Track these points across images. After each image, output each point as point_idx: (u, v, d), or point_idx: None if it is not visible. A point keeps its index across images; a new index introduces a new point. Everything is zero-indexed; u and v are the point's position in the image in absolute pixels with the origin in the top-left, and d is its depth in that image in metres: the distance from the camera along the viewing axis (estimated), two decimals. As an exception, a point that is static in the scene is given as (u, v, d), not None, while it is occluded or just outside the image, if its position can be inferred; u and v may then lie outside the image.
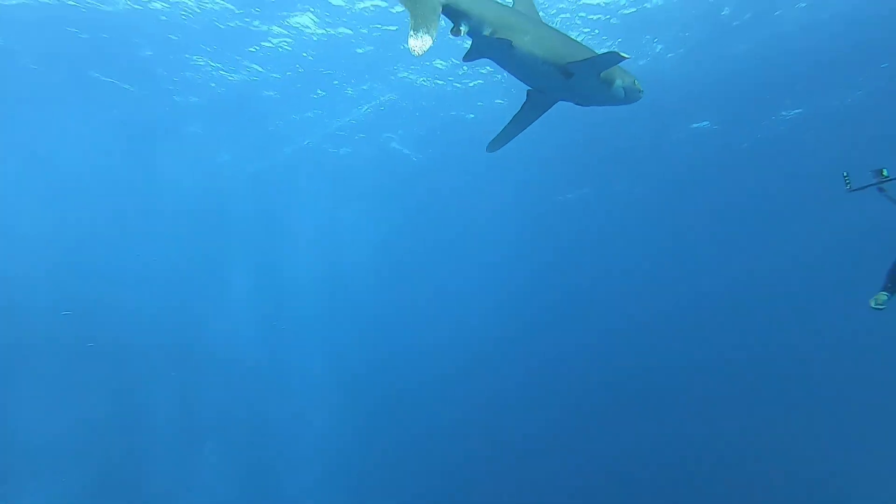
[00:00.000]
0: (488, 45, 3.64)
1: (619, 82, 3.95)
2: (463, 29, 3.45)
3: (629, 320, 24.68)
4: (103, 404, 17.25)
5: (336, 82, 13.94)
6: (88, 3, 10.47)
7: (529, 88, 4.12)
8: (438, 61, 12.91)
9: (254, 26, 11.40)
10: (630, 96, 4.05)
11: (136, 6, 10.63)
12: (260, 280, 25.93)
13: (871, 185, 4.42)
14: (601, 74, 3.80)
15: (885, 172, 4.31)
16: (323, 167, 19.48)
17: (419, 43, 2.92)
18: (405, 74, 13.56)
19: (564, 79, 3.74)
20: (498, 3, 3.75)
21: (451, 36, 3.52)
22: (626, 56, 3.43)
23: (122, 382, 18.52)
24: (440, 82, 13.90)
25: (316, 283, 27.73)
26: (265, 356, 23.67)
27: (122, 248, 22.15)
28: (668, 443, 17.53)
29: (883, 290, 4.23)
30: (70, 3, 10.42)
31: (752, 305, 23.16)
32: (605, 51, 3.57)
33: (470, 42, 3.70)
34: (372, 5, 10.44)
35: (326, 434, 20.41)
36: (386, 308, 27.46)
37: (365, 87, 14.21)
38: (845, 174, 4.57)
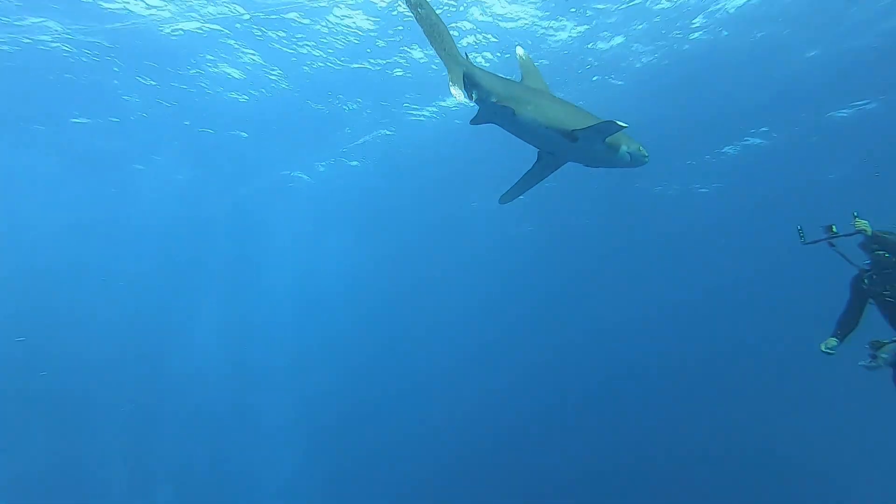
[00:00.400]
0: (493, 112, 4.11)
1: (624, 148, 4.25)
2: (473, 95, 4.00)
3: (608, 320, 25.00)
4: (47, 455, 16.12)
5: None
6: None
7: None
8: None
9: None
10: (635, 161, 4.35)
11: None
12: (227, 319, 25.20)
13: (822, 239, 4.39)
14: (606, 140, 4.09)
15: (834, 229, 4.28)
16: (295, 196, 19.28)
17: (458, 93, 3.67)
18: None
19: (570, 143, 4.08)
20: (507, 79, 4.29)
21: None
22: (624, 125, 3.70)
23: (69, 429, 17.43)
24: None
25: (288, 323, 27.21)
26: (230, 399, 22.68)
27: (80, 283, 21.23)
28: (647, 439, 17.59)
29: (833, 337, 4.24)
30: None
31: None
32: (605, 119, 3.84)
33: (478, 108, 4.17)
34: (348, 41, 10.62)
35: (293, 483, 19.44)
36: (360, 350, 27.07)
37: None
38: (799, 228, 4.57)
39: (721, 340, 23.56)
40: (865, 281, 4.12)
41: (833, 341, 4.23)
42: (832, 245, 4.37)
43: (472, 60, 4.12)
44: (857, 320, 4.27)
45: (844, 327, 4.28)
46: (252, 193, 19.06)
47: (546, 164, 4.56)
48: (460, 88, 3.68)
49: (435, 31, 3.79)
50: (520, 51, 4.73)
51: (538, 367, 24.52)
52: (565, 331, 26.34)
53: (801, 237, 4.52)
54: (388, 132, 15.23)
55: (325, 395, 23.59)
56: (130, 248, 21.06)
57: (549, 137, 4.15)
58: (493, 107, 4.00)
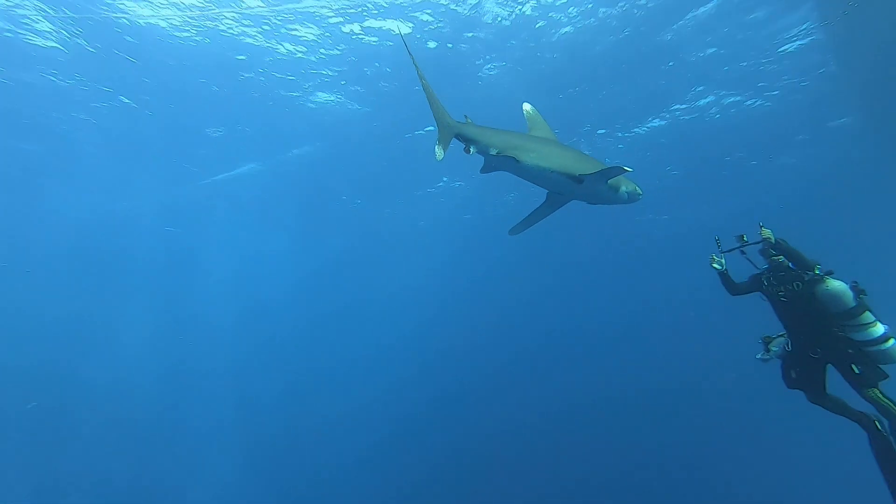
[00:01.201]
0: (497, 162, 4.63)
1: (623, 188, 4.84)
2: (472, 150, 4.54)
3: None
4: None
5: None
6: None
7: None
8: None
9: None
10: (632, 199, 4.99)
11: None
12: (155, 322, 23.83)
13: (736, 248, 4.71)
14: (609, 182, 4.63)
15: (745, 237, 4.62)
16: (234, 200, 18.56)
17: (439, 153, 4.29)
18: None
19: (576, 185, 4.57)
20: (503, 130, 4.74)
21: (464, 153, 4.59)
22: (629, 169, 4.20)
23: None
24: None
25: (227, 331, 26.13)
26: (157, 407, 21.27)
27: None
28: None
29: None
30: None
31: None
32: (613, 164, 4.32)
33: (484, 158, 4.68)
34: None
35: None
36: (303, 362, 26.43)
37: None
38: (717, 237, 4.88)
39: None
40: (765, 282, 4.40)
41: (722, 262, 4.67)
42: (744, 252, 4.73)
43: (470, 121, 4.66)
44: (737, 293, 4.64)
45: (728, 284, 4.68)
46: (185, 191, 18.18)
47: (553, 202, 5.06)
48: (443, 149, 4.32)
49: (432, 102, 4.38)
50: (526, 106, 5.28)
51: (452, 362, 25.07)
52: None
53: (719, 246, 4.85)
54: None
55: (263, 403, 22.71)
56: (41, 246, 19.47)
57: (555, 180, 4.63)
58: (495, 158, 4.54)
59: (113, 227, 19.73)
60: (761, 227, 4.50)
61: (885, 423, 3.81)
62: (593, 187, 4.60)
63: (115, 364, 21.98)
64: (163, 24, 9.60)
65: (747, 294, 4.58)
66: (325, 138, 14.69)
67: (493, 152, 4.50)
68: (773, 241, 4.37)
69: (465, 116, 4.68)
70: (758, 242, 4.47)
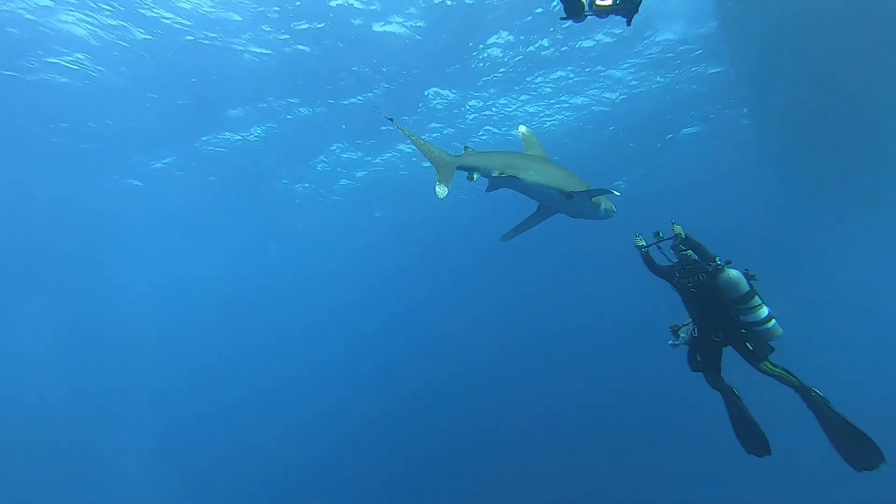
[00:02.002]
0: (500, 182, 5.13)
1: (604, 206, 5.45)
2: (475, 176, 5.03)
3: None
4: None
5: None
6: None
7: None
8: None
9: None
10: (608, 215, 5.61)
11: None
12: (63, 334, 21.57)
13: (653, 243, 5.18)
14: (592, 199, 5.22)
15: (660, 234, 5.13)
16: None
17: (441, 191, 4.68)
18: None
19: (566, 200, 5.15)
20: (502, 152, 5.30)
21: (467, 180, 5.05)
22: (618, 193, 4.75)
23: None
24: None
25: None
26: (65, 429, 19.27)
27: None
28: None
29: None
30: None
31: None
32: (601, 186, 4.89)
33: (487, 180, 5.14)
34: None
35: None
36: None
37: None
38: (637, 235, 5.33)
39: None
40: (676, 275, 4.82)
41: (643, 241, 5.06)
42: (660, 248, 5.24)
43: (470, 150, 5.16)
44: (653, 273, 5.05)
45: (649, 263, 5.07)
46: (93, 190, 16.68)
47: (542, 214, 5.63)
48: (446, 187, 4.70)
49: (424, 149, 4.81)
50: (522, 129, 5.85)
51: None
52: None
53: (640, 242, 5.30)
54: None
55: (190, 427, 21.27)
56: None
57: (550, 195, 5.20)
58: (498, 179, 5.06)
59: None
60: (673, 224, 5.01)
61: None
62: (580, 204, 5.24)
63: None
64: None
65: (661, 278, 5.02)
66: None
67: (496, 174, 5.03)
68: (683, 236, 4.88)
69: (465, 147, 5.23)
70: (671, 238, 4.98)
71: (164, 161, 15.76)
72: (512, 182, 5.09)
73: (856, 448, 3.96)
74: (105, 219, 18.69)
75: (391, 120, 4.82)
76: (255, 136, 14.64)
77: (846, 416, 4.08)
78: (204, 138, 14.62)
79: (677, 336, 4.75)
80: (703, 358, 4.62)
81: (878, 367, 18.01)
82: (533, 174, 5.10)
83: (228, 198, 18.92)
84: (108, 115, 12.69)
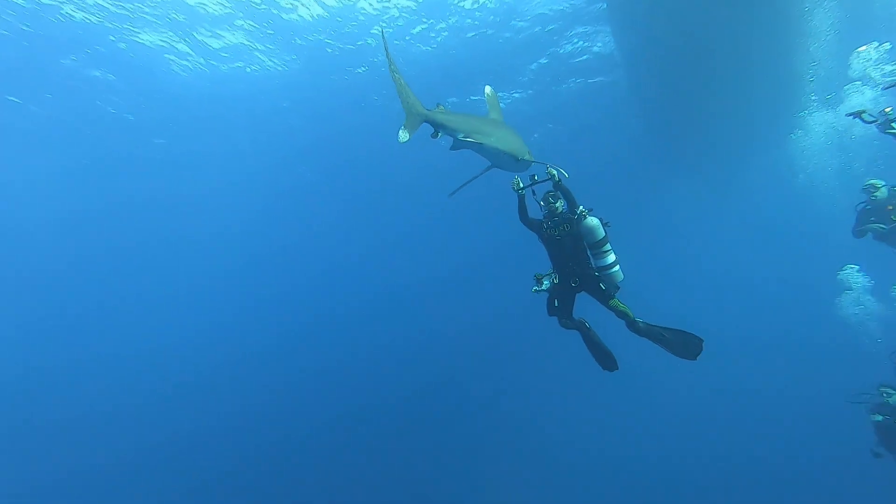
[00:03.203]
0: (463, 144, 5.47)
1: (531, 162, 5.87)
2: (439, 134, 5.30)
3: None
4: None
5: None
6: None
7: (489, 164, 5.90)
8: None
9: None
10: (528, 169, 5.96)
11: None
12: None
13: (528, 185, 5.32)
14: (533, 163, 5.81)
15: (535, 177, 5.28)
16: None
17: (404, 136, 4.89)
18: None
19: (515, 162, 5.66)
20: (469, 115, 5.70)
21: (430, 137, 5.32)
22: (567, 175, 5.09)
23: None
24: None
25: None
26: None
27: None
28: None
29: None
30: None
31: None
32: (553, 166, 5.12)
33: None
34: None
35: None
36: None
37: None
38: (533, 175, 5.42)
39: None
40: (545, 226, 5.14)
41: (519, 183, 5.25)
42: (534, 193, 5.42)
43: (441, 108, 5.34)
44: (523, 222, 5.29)
45: (522, 210, 5.28)
46: None
47: (487, 171, 6.02)
48: (409, 133, 4.90)
49: (402, 91, 4.91)
50: (487, 89, 6.20)
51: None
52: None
53: (520, 186, 5.40)
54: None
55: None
56: None
57: (504, 160, 5.67)
58: (463, 141, 5.37)
59: None
60: (548, 167, 5.18)
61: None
62: (525, 166, 5.80)
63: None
64: None
65: (530, 229, 5.30)
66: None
67: (461, 136, 5.34)
68: (556, 179, 5.08)
69: (437, 104, 5.39)
70: (546, 180, 5.15)
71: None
72: (474, 146, 5.47)
73: (682, 345, 4.73)
74: None
75: (386, 45, 5.00)
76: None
77: (665, 325, 4.82)
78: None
79: (540, 283, 5.07)
80: (560, 303, 5.06)
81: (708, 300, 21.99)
82: (494, 140, 5.51)
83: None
84: None
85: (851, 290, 12.42)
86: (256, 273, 28.44)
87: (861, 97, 14.89)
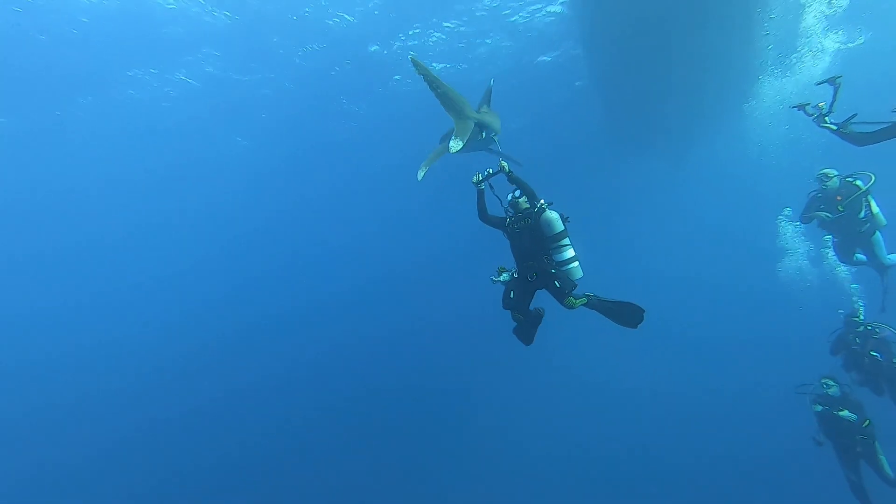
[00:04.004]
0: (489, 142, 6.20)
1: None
2: (483, 134, 5.80)
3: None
4: None
5: None
6: None
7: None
8: None
9: None
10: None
11: None
12: None
13: (484, 178, 5.19)
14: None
15: (490, 170, 5.16)
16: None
17: (456, 145, 5.37)
18: None
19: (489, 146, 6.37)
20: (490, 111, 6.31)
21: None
22: (521, 164, 5.66)
23: None
24: None
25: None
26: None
27: None
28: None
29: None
30: None
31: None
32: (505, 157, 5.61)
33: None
34: None
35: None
36: None
37: None
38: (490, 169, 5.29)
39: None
40: (508, 220, 5.07)
41: (479, 177, 5.21)
42: (492, 187, 5.27)
43: (486, 108, 5.69)
44: (483, 220, 5.28)
45: (481, 207, 5.29)
46: None
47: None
48: (462, 142, 5.01)
49: (447, 101, 4.95)
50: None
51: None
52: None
53: (479, 180, 5.24)
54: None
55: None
56: None
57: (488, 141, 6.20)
58: (491, 140, 5.89)
59: None
60: (501, 160, 5.13)
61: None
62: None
63: None
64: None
65: (492, 227, 5.21)
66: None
67: (495, 136, 5.92)
68: (507, 170, 4.99)
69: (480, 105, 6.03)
70: (498, 172, 5.07)
71: None
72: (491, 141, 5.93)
73: (626, 315, 4.84)
74: None
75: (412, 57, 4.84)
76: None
77: (610, 297, 4.94)
78: None
79: (499, 275, 5.06)
80: (516, 296, 5.00)
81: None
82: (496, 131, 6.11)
83: None
84: None
85: (791, 252, 12.86)
86: (211, 270, 27.29)
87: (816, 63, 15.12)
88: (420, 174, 5.13)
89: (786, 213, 12.08)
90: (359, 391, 19.13)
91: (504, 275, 4.98)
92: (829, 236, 7.61)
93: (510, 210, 5.10)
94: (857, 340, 6.98)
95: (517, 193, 5.07)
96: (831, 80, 5.76)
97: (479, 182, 5.18)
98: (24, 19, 11.84)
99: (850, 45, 16.06)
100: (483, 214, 5.26)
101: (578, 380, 17.89)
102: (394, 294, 24.95)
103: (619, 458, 15.00)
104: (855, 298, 7.87)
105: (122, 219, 25.00)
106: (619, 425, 16.17)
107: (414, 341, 21.65)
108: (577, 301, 4.83)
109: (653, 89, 13.84)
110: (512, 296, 4.98)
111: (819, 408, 6.83)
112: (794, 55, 14.69)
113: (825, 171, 7.22)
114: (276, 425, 17.70)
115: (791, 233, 12.52)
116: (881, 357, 6.72)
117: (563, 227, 4.83)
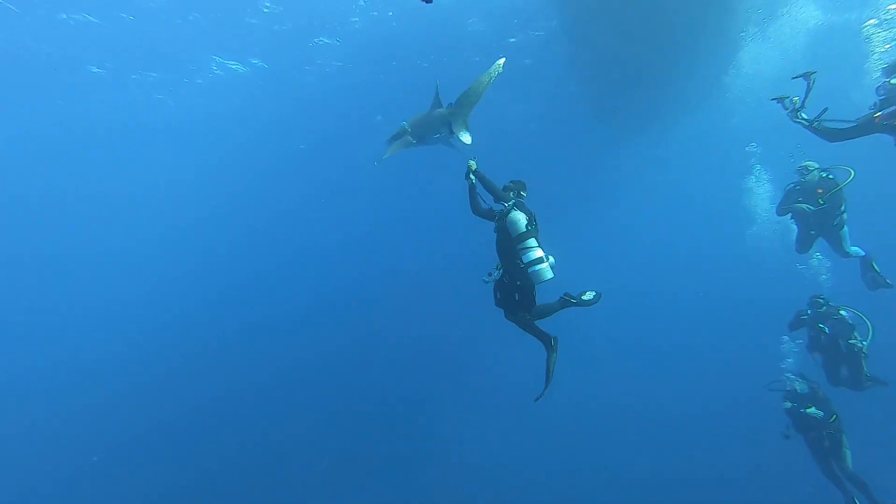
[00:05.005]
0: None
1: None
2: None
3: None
4: None
5: None
6: None
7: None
8: None
9: None
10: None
11: None
12: None
13: (467, 173, 5.10)
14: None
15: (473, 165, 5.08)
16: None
17: (469, 137, 6.23)
18: None
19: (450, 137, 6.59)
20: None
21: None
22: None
23: None
24: None
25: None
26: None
27: None
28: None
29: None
30: None
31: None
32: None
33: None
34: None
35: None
36: None
37: None
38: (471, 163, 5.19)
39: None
40: (497, 217, 4.91)
41: (473, 164, 5.07)
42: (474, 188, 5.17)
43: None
44: (476, 213, 5.14)
45: (473, 200, 5.13)
46: None
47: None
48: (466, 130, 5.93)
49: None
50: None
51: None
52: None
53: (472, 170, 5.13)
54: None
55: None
56: None
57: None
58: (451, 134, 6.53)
59: None
60: (472, 159, 5.04)
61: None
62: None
63: None
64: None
65: (483, 217, 5.11)
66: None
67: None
68: (473, 167, 4.94)
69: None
70: (471, 171, 4.99)
71: None
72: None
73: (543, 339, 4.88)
74: None
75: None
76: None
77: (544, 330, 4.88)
78: None
79: (491, 275, 4.94)
80: (501, 296, 4.93)
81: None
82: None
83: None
84: None
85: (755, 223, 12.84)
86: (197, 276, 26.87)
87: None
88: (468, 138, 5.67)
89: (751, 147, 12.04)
90: (359, 391, 19.11)
91: (494, 274, 4.89)
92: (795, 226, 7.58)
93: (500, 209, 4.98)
94: (809, 312, 7.13)
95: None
96: (806, 75, 5.77)
97: (468, 175, 5.05)
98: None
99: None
100: (476, 208, 5.12)
101: (574, 382, 17.80)
102: (394, 294, 24.73)
103: (614, 460, 15.25)
104: (824, 278, 7.99)
105: (122, 219, 24.53)
106: (615, 430, 16.38)
107: (414, 341, 21.60)
108: (527, 317, 4.83)
109: (631, 64, 13.59)
110: (498, 296, 4.92)
111: (788, 405, 6.96)
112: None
113: (806, 163, 7.20)
114: (276, 425, 17.66)
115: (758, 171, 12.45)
116: (828, 330, 6.83)
117: (524, 229, 4.59)
